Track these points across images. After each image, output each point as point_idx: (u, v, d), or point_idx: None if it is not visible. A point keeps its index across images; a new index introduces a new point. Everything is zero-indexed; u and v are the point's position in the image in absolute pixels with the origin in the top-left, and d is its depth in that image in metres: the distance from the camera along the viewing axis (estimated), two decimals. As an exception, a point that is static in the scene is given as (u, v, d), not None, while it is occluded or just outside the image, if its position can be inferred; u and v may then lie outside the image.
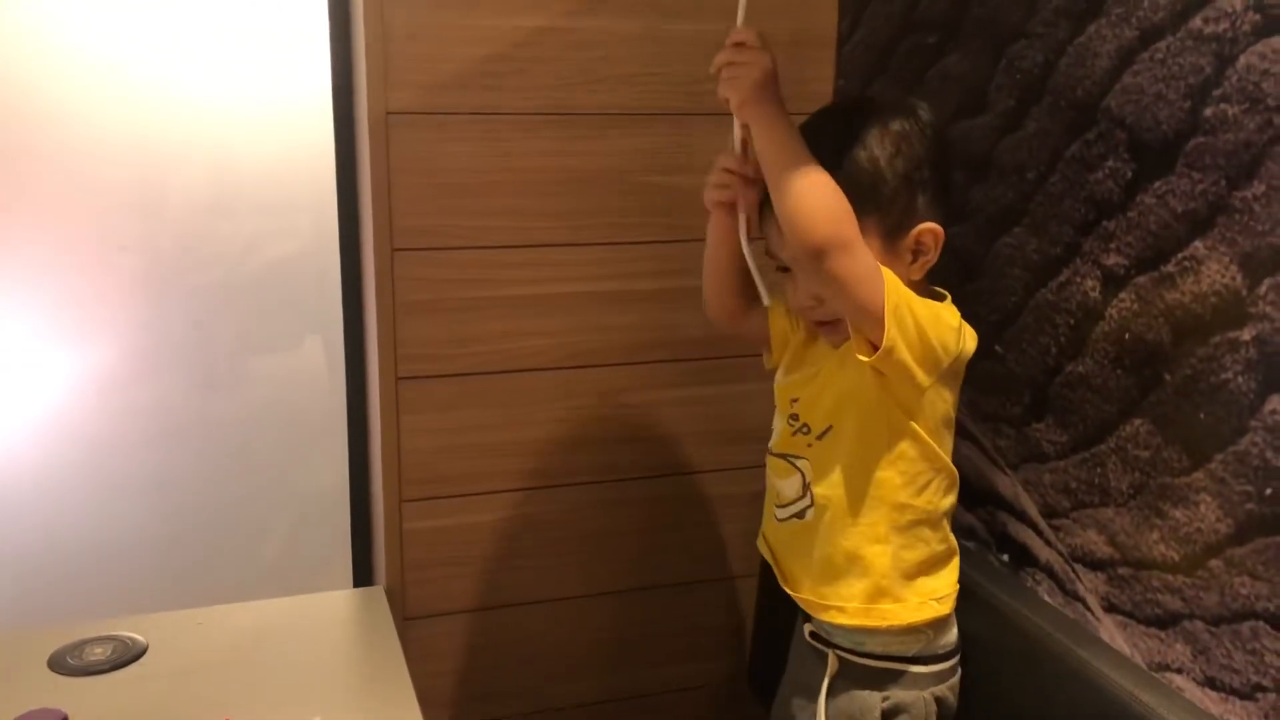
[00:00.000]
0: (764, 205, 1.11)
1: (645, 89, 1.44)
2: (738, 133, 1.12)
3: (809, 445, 1.13)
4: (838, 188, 1.01)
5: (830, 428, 1.11)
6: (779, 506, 1.19)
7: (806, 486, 1.14)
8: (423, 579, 1.49)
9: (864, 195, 1.03)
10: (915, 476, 1.10)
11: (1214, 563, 0.96)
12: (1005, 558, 1.25)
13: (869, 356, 1.03)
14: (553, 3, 1.38)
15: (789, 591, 1.18)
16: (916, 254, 1.08)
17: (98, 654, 1.29)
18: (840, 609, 1.12)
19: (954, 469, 1.13)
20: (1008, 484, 1.23)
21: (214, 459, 1.66)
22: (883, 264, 1.03)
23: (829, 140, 1.05)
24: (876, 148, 1.05)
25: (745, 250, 1.15)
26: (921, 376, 1.05)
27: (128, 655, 1.29)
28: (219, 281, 1.60)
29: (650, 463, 1.56)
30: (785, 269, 1.13)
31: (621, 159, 1.45)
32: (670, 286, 1.51)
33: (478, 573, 1.52)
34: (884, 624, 1.11)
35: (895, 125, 1.07)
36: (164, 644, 1.32)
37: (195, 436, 1.64)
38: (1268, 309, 0.89)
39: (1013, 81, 1.18)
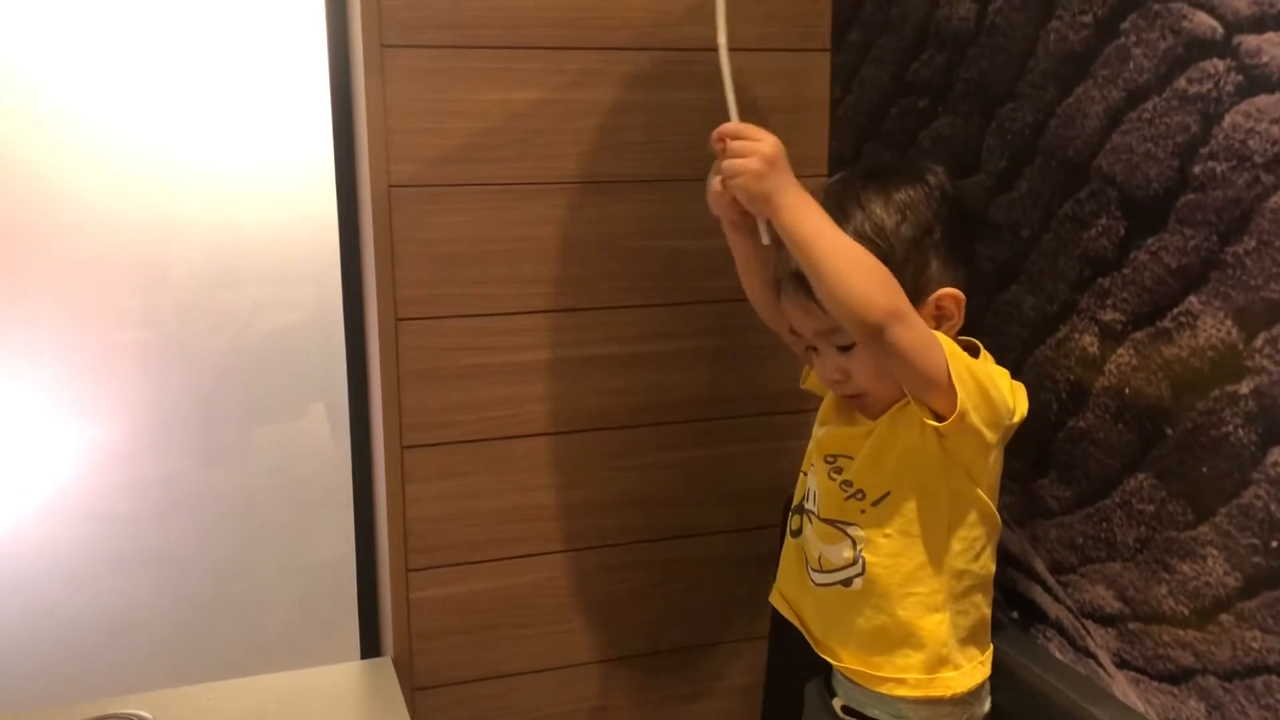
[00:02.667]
0: (782, 283, 1.12)
1: (639, 156, 1.46)
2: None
3: (862, 511, 1.10)
4: (878, 260, 1.00)
5: (888, 494, 1.08)
6: (818, 572, 1.14)
7: (859, 554, 1.10)
8: (431, 648, 1.48)
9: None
10: (974, 542, 1.09)
11: (1224, 617, 0.96)
12: (1014, 614, 1.25)
13: (938, 423, 1.01)
14: (548, 76, 1.40)
15: (828, 660, 1.15)
16: (940, 320, 1.08)
17: (105, 734, 1.28)
18: (900, 680, 1.09)
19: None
20: (1015, 540, 1.23)
21: (219, 531, 1.66)
22: None
23: (836, 211, 1.05)
24: (883, 216, 1.06)
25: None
26: (990, 436, 1.04)
27: (134, 734, 1.28)
28: (223, 352, 1.61)
29: (657, 525, 1.56)
30: (811, 347, 1.13)
31: (618, 225, 1.47)
32: (670, 349, 1.52)
33: (486, 641, 1.51)
34: (948, 693, 1.08)
35: (901, 194, 1.08)
36: (171, 721, 1.31)
37: (200, 509, 1.64)
38: (1264, 362, 0.90)
39: (1004, 142, 1.19)
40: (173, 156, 1.54)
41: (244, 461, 1.66)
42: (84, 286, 1.54)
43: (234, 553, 1.67)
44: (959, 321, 1.08)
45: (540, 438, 1.49)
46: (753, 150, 1.04)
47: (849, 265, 0.99)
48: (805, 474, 1.20)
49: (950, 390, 1.00)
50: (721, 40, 1.12)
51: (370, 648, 1.65)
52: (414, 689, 1.48)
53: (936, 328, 1.07)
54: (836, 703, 1.16)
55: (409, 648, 1.47)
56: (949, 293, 1.07)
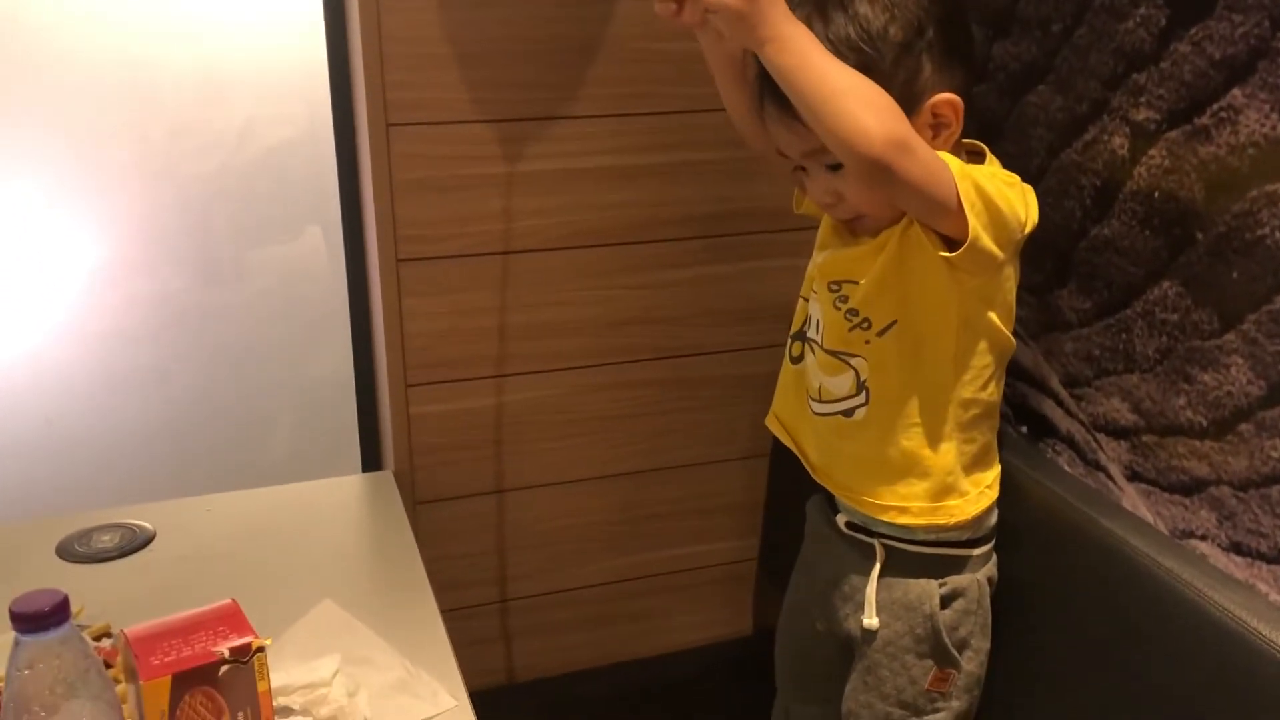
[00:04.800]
0: (764, 102, 1.03)
1: (648, -52, 1.36)
2: None
3: (867, 343, 1.05)
4: (875, 84, 0.92)
5: (894, 323, 1.03)
6: (818, 401, 1.11)
7: (862, 385, 1.06)
8: (432, 463, 1.48)
9: (862, 74, 0.93)
10: (982, 370, 1.05)
11: (1244, 426, 0.93)
12: (1024, 430, 1.22)
13: (949, 251, 0.95)
14: None
15: (826, 486, 1.14)
16: (937, 129, 1.00)
17: (105, 541, 1.28)
18: (902, 509, 1.07)
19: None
20: (1027, 354, 1.20)
21: (217, 350, 1.64)
22: None
23: (815, 14, 0.96)
24: (869, 16, 0.97)
25: None
26: (1000, 254, 0.97)
27: (135, 542, 1.28)
28: (215, 172, 1.56)
29: (659, 344, 1.53)
30: (800, 168, 1.06)
31: (624, 25, 1.38)
32: (676, 160, 1.46)
33: (488, 456, 1.50)
34: (952, 521, 1.07)
35: None
36: (172, 531, 1.31)
37: (197, 327, 1.62)
38: (1310, 158, 0.85)
39: (1039, -73, 1.11)
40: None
41: (240, 282, 1.63)
42: (72, 106, 1.48)
43: (231, 371, 1.65)
44: (957, 129, 1.00)
45: (539, 253, 1.44)
46: None
47: (844, 96, 0.90)
48: (805, 300, 1.15)
49: (960, 214, 0.94)
50: None
51: (371, 463, 1.65)
52: (415, 503, 1.48)
53: (934, 137, 0.99)
54: (840, 519, 1.15)
55: (410, 462, 1.46)
56: (946, 98, 0.99)
